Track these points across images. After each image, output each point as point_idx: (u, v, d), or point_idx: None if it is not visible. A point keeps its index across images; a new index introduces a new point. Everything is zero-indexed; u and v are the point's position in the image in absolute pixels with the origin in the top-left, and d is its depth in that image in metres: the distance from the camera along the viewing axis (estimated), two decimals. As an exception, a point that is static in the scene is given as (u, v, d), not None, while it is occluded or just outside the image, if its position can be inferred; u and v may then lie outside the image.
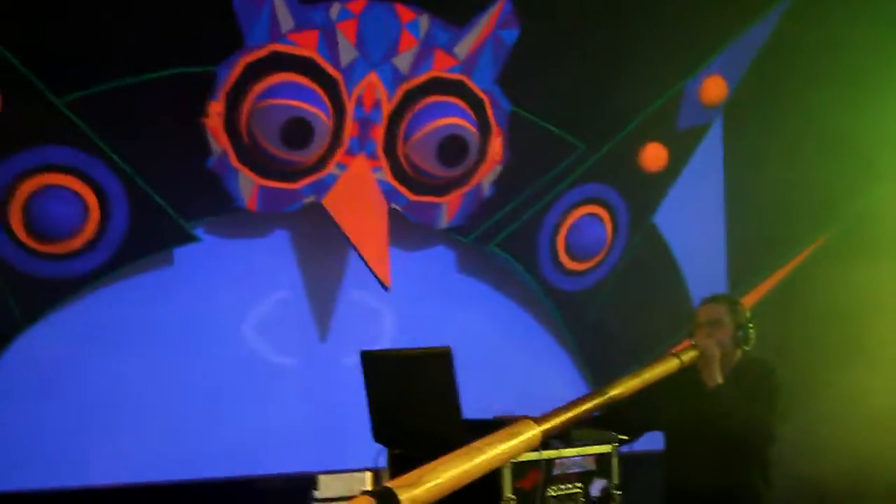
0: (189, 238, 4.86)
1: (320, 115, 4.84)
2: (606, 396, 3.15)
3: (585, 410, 3.03)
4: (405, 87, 5.11)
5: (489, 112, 5.30)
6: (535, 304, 5.73)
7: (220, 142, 4.83)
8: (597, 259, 5.76)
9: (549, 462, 3.09)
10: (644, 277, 5.88)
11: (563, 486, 3.11)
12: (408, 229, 5.32)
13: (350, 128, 5.04)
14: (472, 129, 5.17)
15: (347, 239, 5.04)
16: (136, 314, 4.87)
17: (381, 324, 5.41)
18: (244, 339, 5.13)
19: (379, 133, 5.12)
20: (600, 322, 5.82)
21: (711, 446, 3.66)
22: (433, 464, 2.60)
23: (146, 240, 4.77)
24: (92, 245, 4.67)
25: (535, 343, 5.76)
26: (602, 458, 3.24)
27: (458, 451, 2.66)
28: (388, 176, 5.17)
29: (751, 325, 3.86)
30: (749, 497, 3.74)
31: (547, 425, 2.88)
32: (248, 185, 4.91)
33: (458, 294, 5.58)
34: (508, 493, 2.99)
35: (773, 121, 6.07)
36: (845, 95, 5.68)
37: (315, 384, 5.26)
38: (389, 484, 2.47)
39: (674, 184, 5.90)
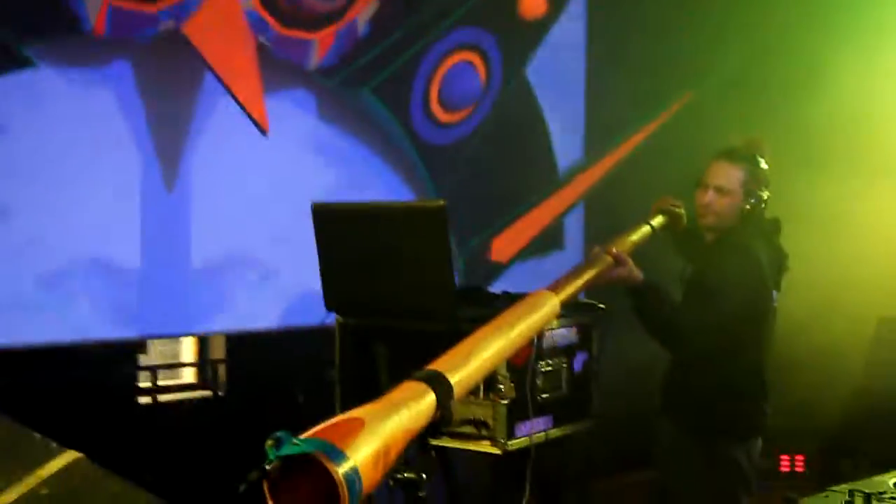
0: (23, 61, 4.03)
1: (185, -78, 4.11)
2: (608, 261, 2.81)
3: (594, 276, 2.67)
4: None
5: (368, -66, 4.71)
6: (400, 157, 5.27)
7: (62, -54, 4.00)
8: (468, 111, 5.35)
9: (540, 335, 2.72)
10: (512, 132, 5.55)
11: (550, 361, 2.75)
12: (269, 68, 4.68)
13: (215, -58, 4.33)
14: (354, -50, 4.59)
15: (214, 75, 4.36)
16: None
17: (232, 174, 4.79)
18: (75, 187, 4.38)
19: (246, -51, 4.43)
20: (465, 178, 5.44)
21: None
22: (468, 343, 2.17)
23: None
24: None
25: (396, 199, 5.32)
26: (585, 329, 2.91)
27: (486, 328, 2.24)
28: (255, 3, 4.50)
29: (766, 195, 3.41)
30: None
31: (564, 294, 2.49)
32: (95, 3, 4.12)
33: (316, 143, 5.01)
34: (503, 371, 2.60)
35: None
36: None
37: (156, 239, 4.61)
38: (434, 366, 2.02)
39: (548, 34, 5.54)
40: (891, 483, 2.19)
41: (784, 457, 5.54)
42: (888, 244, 5.24)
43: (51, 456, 1.62)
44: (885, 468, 2.34)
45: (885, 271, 5.22)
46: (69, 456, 1.64)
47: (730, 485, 3.39)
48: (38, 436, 1.74)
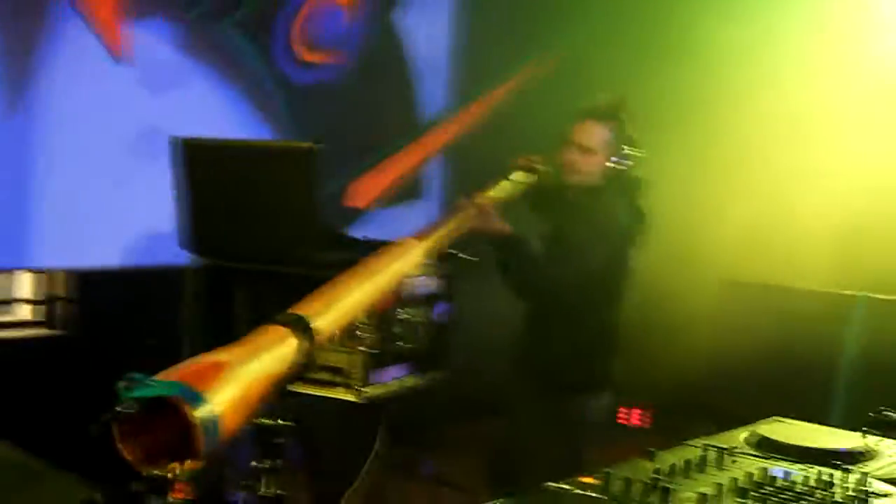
0: None
1: None
2: (472, 212, 2.79)
3: (457, 226, 2.64)
4: None
5: None
6: (263, 97, 5.11)
7: None
8: (333, 52, 5.23)
9: (402, 283, 2.67)
10: (376, 78, 5.46)
11: (411, 310, 2.72)
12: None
13: None
14: None
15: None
16: None
17: (83, 101, 4.54)
18: None
19: None
20: (326, 120, 5.32)
21: None
22: (333, 288, 2.11)
23: None
24: None
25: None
26: (446, 279, 2.89)
27: (352, 274, 2.19)
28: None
29: (630, 155, 3.42)
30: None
31: (429, 243, 2.47)
32: None
33: (173, 75, 4.80)
34: (363, 317, 2.55)
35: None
36: None
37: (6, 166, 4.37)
38: (298, 311, 1.96)
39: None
40: (741, 439, 2.25)
41: (623, 410, 5.69)
42: (737, 208, 5.39)
43: None
44: (730, 426, 2.39)
45: (732, 234, 5.37)
46: None
47: (575, 437, 3.44)
48: None
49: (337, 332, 2.07)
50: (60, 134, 4.41)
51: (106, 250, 4.59)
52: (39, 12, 4.27)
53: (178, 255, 3.11)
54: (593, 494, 1.78)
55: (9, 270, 4.66)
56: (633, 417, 5.67)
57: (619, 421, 5.56)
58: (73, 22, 4.30)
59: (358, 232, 4.71)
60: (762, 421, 2.41)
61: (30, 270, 4.71)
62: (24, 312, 4.95)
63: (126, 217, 4.59)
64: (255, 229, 2.61)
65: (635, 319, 3.67)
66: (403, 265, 2.35)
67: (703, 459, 2.02)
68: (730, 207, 5.37)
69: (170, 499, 1.53)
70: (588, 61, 5.68)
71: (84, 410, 1.71)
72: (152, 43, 4.64)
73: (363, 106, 5.46)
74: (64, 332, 4.75)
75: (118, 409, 1.43)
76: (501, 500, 1.75)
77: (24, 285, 4.96)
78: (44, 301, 4.89)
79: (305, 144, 2.43)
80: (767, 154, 5.41)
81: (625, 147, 3.41)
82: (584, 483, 1.82)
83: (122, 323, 4.53)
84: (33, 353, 4.68)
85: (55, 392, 4.27)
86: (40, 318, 4.86)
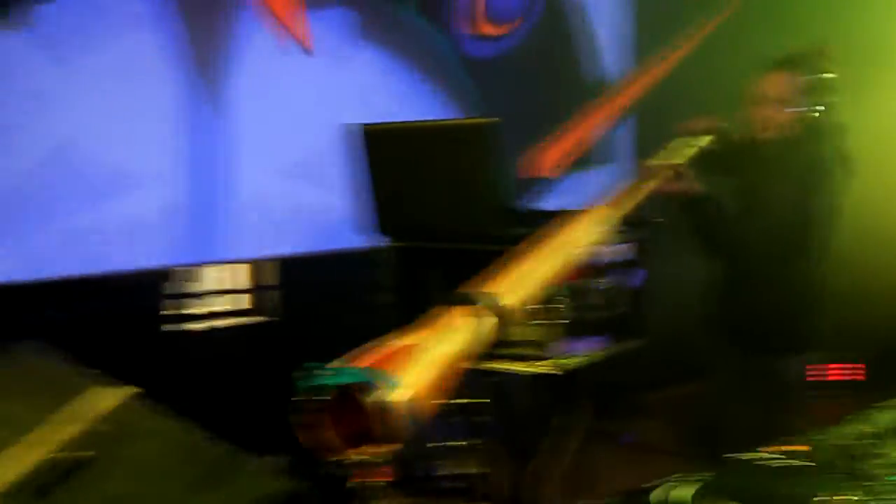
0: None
1: None
2: (668, 174, 2.74)
3: (653, 190, 2.59)
4: None
5: None
6: (447, 74, 5.14)
7: None
8: (515, 23, 5.21)
9: (597, 251, 2.65)
10: (559, 44, 5.41)
11: (608, 278, 2.69)
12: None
13: None
14: None
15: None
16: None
17: (276, 97, 4.68)
18: (113, 111, 4.27)
19: None
20: (512, 92, 5.31)
21: None
22: (524, 263, 2.10)
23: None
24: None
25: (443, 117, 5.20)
26: (641, 245, 2.83)
27: (543, 246, 2.17)
28: None
29: (830, 102, 3.26)
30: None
31: (623, 210, 2.43)
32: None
33: (359, 64, 4.90)
34: (560, 289, 2.54)
35: None
36: None
37: (205, 165, 4.56)
38: (489, 288, 1.95)
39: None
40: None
41: (830, 366, 5.46)
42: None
43: (108, 391, 1.59)
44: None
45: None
46: (126, 391, 1.61)
47: (779, 400, 3.33)
48: (95, 371, 1.70)
49: (528, 305, 2.06)
50: (258, 130, 4.56)
51: (305, 238, 4.71)
52: (221, 8, 4.41)
53: (364, 240, 3.14)
54: (801, 462, 1.72)
55: (214, 263, 4.85)
56: (842, 374, 5.43)
57: (826, 378, 5.34)
58: (252, 14, 4.41)
59: (542, 202, 4.68)
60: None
61: (233, 262, 4.88)
62: (226, 302, 5.13)
63: (323, 205, 4.69)
64: (442, 208, 2.63)
65: (842, 272, 3.50)
66: (590, 233, 2.31)
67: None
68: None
69: (371, 482, 1.57)
70: (774, 6, 5.44)
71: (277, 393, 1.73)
72: (330, 30, 4.73)
73: (549, 73, 5.41)
74: (270, 319, 4.89)
75: (311, 398, 1.46)
76: (709, 474, 1.71)
77: (229, 276, 5.15)
78: (250, 290, 5.05)
79: (488, 119, 2.42)
80: None
81: (820, 95, 3.25)
82: (792, 450, 1.76)
83: (321, 307, 4.63)
84: (242, 339, 4.86)
85: (266, 378, 4.42)
86: (245, 307, 5.04)
